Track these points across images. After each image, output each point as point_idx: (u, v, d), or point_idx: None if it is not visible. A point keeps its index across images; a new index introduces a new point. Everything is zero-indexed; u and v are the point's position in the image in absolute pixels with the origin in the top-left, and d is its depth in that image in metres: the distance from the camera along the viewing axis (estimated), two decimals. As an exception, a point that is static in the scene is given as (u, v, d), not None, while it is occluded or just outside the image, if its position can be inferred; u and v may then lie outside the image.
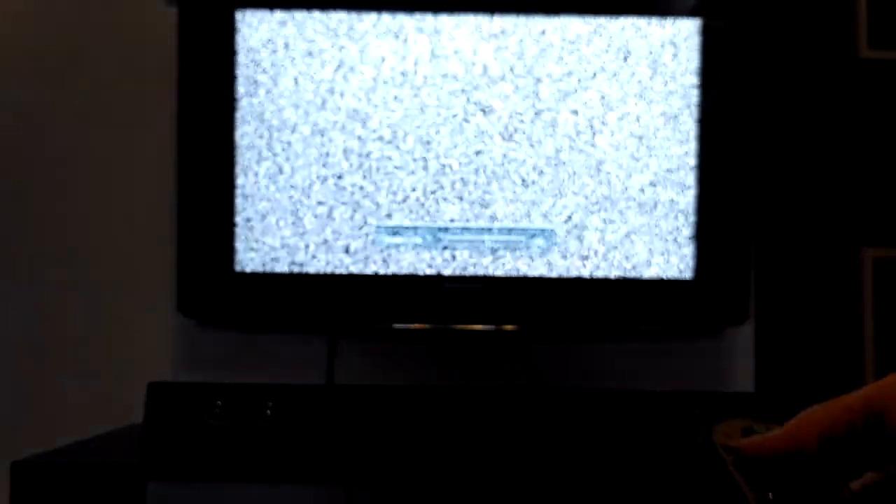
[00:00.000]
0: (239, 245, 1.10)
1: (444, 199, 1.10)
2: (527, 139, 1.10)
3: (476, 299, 1.10)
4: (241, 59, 1.10)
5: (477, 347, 1.23)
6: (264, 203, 1.10)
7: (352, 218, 1.10)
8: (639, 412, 1.12)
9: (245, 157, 1.10)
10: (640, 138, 1.10)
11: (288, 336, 1.22)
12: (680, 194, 1.10)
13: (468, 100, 1.10)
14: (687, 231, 1.10)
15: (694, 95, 1.10)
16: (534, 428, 1.10)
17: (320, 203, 1.10)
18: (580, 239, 1.10)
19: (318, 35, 1.10)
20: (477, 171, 1.10)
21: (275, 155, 1.10)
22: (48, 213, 1.24)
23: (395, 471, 0.92)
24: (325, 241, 1.10)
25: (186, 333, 1.22)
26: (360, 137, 1.10)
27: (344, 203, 1.10)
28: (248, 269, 1.11)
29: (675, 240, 1.10)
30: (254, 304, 1.12)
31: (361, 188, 1.10)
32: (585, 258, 1.10)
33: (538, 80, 1.10)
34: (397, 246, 1.10)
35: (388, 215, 1.10)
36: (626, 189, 1.10)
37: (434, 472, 0.92)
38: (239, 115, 1.10)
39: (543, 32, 1.09)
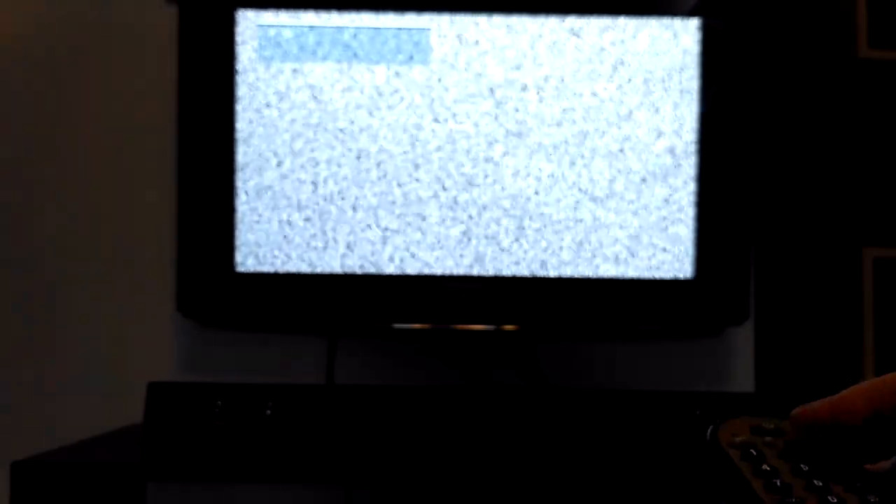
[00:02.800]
0: (239, 245, 1.10)
1: (443, 197, 1.10)
2: (524, 140, 1.10)
3: (476, 299, 1.10)
4: (241, 57, 1.10)
5: (477, 347, 1.22)
6: (264, 203, 1.10)
7: (352, 217, 1.10)
8: (639, 412, 1.12)
9: (245, 157, 1.10)
10: (640, 138, 1.10)
11: (288, 336, 1.22)
12: (680, 194, 1.10)
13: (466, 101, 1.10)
14: (687, 231, 1.10)
15: (694, 95, 1.10)
16: (534, 428, 1.10)
17: (321, 202, 1.10)
18: (580, 238, 1.10)
19: (318, 36, 1.10)
20: (475, 164, 1.10)
21: (275, 155, 1.10)
22: (48, 213, 1.24)
23: (395, 471, 0.92)
24: (325, 241, 1.10)
25: (187, 334, 1.22)
26: (361, 138, 1.10)
27: (344, 202, 1.10)
28: (248, 270, 1.11)
29: (676, 240, 1.10)
30: (254, 305, 1.12)
31: (362, 186, 1.10)
32: (585, 258, 1.10)
33: (536, 79, 1.10)
34: (398, 245, 1.10)
35: (386, 216, 1.10)
36: (626, 188, 1.10)
37: (434, 472, 0.92)
38: (239, 114, 1.10)
39: (541, 35, 1.09)
